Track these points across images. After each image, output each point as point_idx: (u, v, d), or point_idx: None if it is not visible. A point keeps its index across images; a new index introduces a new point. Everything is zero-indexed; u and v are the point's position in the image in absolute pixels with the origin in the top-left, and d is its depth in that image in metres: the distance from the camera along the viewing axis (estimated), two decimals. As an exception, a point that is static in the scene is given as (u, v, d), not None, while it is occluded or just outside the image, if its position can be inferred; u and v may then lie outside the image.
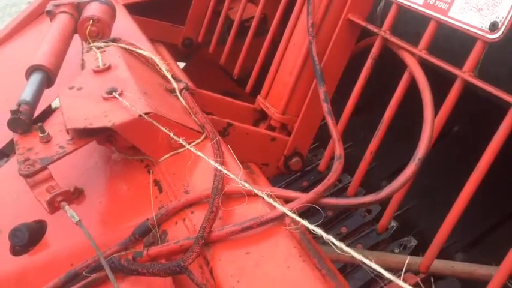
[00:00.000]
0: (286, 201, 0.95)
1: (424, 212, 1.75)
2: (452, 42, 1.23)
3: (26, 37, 2.04)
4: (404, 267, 1.39)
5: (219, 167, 0.96)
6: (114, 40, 1.48)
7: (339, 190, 1.94)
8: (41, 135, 1.11)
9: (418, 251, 1.66)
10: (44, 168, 1.04)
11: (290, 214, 0.81)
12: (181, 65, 2.26)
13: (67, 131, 1.11)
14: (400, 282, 0.53)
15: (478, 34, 1.02)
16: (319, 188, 0.96)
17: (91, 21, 1.51)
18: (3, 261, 1.07)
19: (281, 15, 1.67)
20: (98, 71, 1.29)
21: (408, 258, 1.28)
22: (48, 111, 1.48)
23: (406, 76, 1.19)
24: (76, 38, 1.56)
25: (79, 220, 0.94)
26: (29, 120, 1.16)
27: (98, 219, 1.11)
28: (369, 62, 1.30)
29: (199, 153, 1.01)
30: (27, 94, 1.20)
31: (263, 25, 1.96)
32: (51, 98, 1.44)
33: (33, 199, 1.02)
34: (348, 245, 0.69)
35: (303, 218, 0.80)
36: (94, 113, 1.11)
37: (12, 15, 5.44)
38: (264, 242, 0.87)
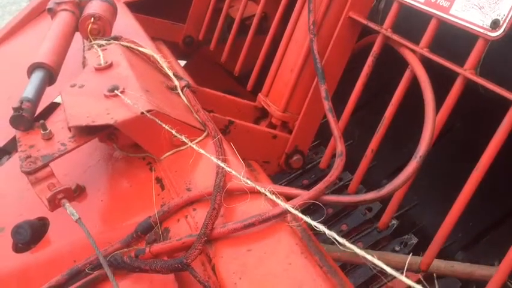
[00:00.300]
0: (288, 198, 0.95)
1: (425, 210, 1.75)
2: (454, 40, 1.24)
3: (27, 35, 2.04)
4: (406, 265, 1.39)
5: (221, 164, 0.97)
6: (116, 38, 1.48)
7: (339, 188, 1.94)
8: (43, 132, 1.11)
9: (419, 249, 1.67)
10: (45, 165, 1.05)
11: (292, 211, 0.82)
12: (182, 63, 2.26)
13: (69, 128, 1.11)
14: (403, 278, 0.54)
15: (480, 32, 1.02)
16: (320, 185, 0.96)
17: (92, 19, 1.51)
18: (5, 259, 1.07)
19: (282, 14, 1.67)
20: (99, 69, 1.29)
21: (409, 258, 1.28)
22: (50, 109, 1.48)
23: (408, 74, 1.20)
24: (77, 35, 1.56)
25: (79, 218, 0.94)
26: (31, 117, 1.16)
27: (100, 217, 1.11)
28: (370, 60, 1.30)
29: (201, 151, 1.02)
30: (29, 91, 1.21)
31: (264, 23, 1.96)
32: (53, 95, 1.44)
33: (35, 197, 1.02)
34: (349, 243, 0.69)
35: (304, 216, 0.80)
36: (96, 111, 1.11)
37: (12, 13, 5.43)
38: (266, 239, 0.87)
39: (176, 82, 1.36)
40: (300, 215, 0.80)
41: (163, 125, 1.08)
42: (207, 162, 1.06)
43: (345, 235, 1.79)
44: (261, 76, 1.70)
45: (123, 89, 1.16)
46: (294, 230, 0.88)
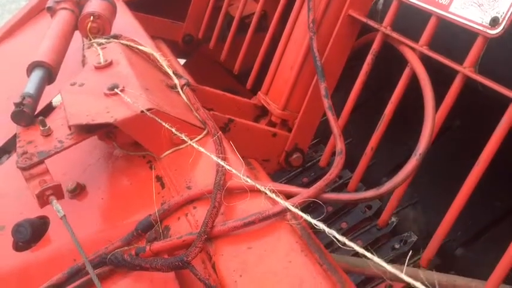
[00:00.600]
0: (288, 196, 0.96)
1: (425, 208, 1.75)
2: (453, 38, 1.24)
3: (27, 34, 2.04)
4: (406, 261, 1.39)
5: (221, 163, 0.97)
6: (115, 36, 1.48)
7: (339, 186, 1.94)
8: (42, 128, 1.11)
9: (419, 246, 1.67)
10: (41, 161, 1.05)
11: (292, 209, 0.82)
12: (182, 61, 2.26)
13: (69, 127, 1.11)
14: (402, 275, 0.54)
15: (479, 30, 1.02)
16: (320, 183, 0.97)
17: (92, 17, 1.51)
18: (6, 257, 1.07)
19: (281, 12, 1.67)
20: (99, 67, 1.30)
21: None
22: (50, 108, 1.48)
23: (407, 72, 1.20)
24: (77, 34, 1.56)
25: (64, 215, 0.94)
26: (32, 113, 1.16)
27: (101, 215, 1.11)
28: (370, 57, 1.31)
29: (201, 149, 1.02)
30: (30, 87, 1.21)
31: (263, 21, 1.96)
32: (53, 94, 1.44)
33: (36, 195, 1.02)
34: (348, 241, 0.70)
35: (304, 214, 0.81)
36: (96, 109, 1.11)
37: (12, 11, 5.43)
38: (266, 237, 0.87)
39: (176, 80, 1.36)
40: (300, 213, 0.80)
41: (163, 124, 1.08)
42: (207, 161, 1.06)
43: (344, 233, 1.79)
44: (261, 74, 1.70)
45: (123, 87, 1.16)
46: (293, 228, 0.88)
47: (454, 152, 1.71)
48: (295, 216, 0.89)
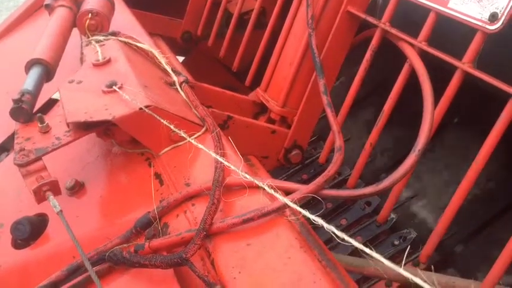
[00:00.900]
0: (287, 192, 0.95)
1: (424, 204, 1.75)
2: (452, 33, 1.24)
3: (25, 31, 2.03)
4: (404, 259, 1.40)
5: (220, 159, 0.97)
6: (114, 34, 1.47)
7: (338, 183, 1.94)
8: (40, 125, 1.11)
9: (418, 242, 1.67)
10: (38, 158, 1.04)
11: (291, 205, 0.82)
12: (180, 59, 2.25)
13: (67, 124, 1.11)
14: (401, 270, 0.54)
15: (478, 25, 1.02)
16: (319, 180, 0.97)
17: (90, 14, 1.51)
18: (5, 255, 1.07)
19: (280, 8, 1.67)
20: (97, 65, 1.29)
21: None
22: (50, 105, 1.48)
23: (406, 68, 1.20)
24: (75, 31, 1.55)
25: (60, 210, 0.94)
26: (30, 109, 1.16)
27: (100, 213, 1.11)
28: (369, 54, 1.30)
29: (200, 146, 1.02)
30: (29, 84, 1.20)
31: (262, 18, 1.96)
32: (51, 92, 1.44)
33: (34, 193, 1.02)
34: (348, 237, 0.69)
35: (303, 210, 0.81)
36: (94, 107, 1.11)
37: (10, 9, 5.41)
38: (265, 234, 0.87)
39: (174, 77, 1.36)
40: (299, 209, 0.80)
41: (162, 121, 1.08)
42: (205, 158, 1.06)
43: (344, 229, 1.79)
44: (260, 71, 1.70)
45: (121, 84, 1.16)
46: (293, 225, 0.88)
47: (453, 148, 1.71)
48: (295, 213, 0.89)
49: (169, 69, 1.38)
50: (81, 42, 1.53)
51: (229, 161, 1.00)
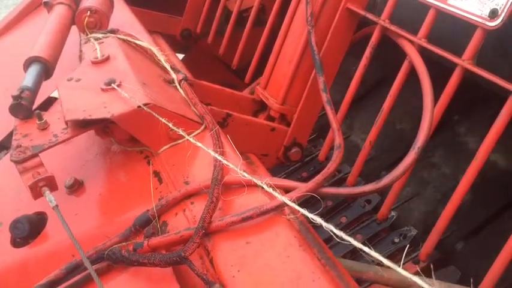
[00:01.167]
0: (286, 191, 0.95)
1: (424, 201, 1.75)
2: (451, 30, 1.23)
3: (24, 29, 2.03)
4: (403, 257, 1.39)
5: (219, 158, 0.96)
6: (113, 31, 1.47)
7: (338, 180, 1.94)
8: (38, 122, 1.11)
9: (418, 240, 1.67)
10: (34, 155, 1.04)
11: (290, 203, 0.81)
12: (180, 56, 2.25)
13: (66, 122, 1.10)
14: (399, 269, 0.53)
15: (478, 22, 1.02)
16: (319, 177, 0.96)
17: (89, 12, 1.50)
18: (4, 253, 1.07)
19: (279, 6, 1.67)
20: (96, 62, 1.29)
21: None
22: (49, 103, 1.47)
23: (406, 65, 1.19)
24: (74, 29, 1.55)
25: (56, 205, 0.94)
26: (30, 106, 1.16)
27: (98, 211, 1.11)
28: (368, 51, 1.30)
29: (199, 144, 1.01)
30: (28, 81, 1.20)
31: (261, 15, 1.96)
32: (50, 89, 1.44)
33: (33, 191, 1.01)
34: (348, 236, 0.69)
35: (302, 208, 0.80)
36: (93, 105, 1.11)
37: (9, 7, 5.40)
38: (264, 232, 0.87)
39: (173, 75, 1.35)
40: (297, 207, 0.80)
41: (161, 119, 1.07)
42: (204, 156, 1.05)
43: (344, 227, 1.79)
44: (259, 69, 1.69)
45: (120, 82, 1.16)
46: (292, 223, 0.88)
47: (453, 145, 1.71)
48: (293, 211, 0.89)
49: (168, 67, 1.37)
50: (80, 40, 1.53)
51: (228, 159, 0.99)
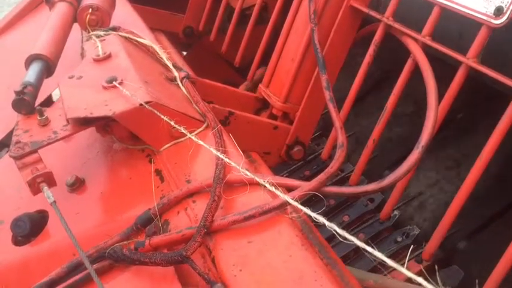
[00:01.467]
0: (289, 189, 0.95)
1: (427, 201, 1.74)
2: (456, 28, 1.22)
3: (25, 27, 2.02)
4: (408, 256, 1.39)
5: (221, 156, 0.96)
6: (114, 29, 1.47)
7: (341, 179, 1.93)
8: (39, 118, 1.10)
9: (421, 239, 1.66)
10: (33, 151, 1.04)
11: (292, 202, 0.81)
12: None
13: (67, 120, 1.10)
14: (403, 270, 0.53)
15: (483, 19, 1.01)
16: (321, 176, 0.95)
17: (90, 9, 1.50)
18: (5, 252, 1.07)
19: (282, 3, 1.66)
20: (98, 60, 1.28)
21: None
22: (50, 100, 1.47)
23: (409, 63, 1.18)
24: (76, 26, 1.54)
25: (54, 201, 0.94)
26: (32, 101, 1.16)
27: (100, 209, 1.11)
28: (372, 49, 1.29)
29: (201, 142, 1.01)
30: (30, 77, 1.20)
31: (264, 13, 1.95)
32: (52, 87, 1.43)
33: (34, 189, 1.01)
34: (350, 234, 0.68)
35: (305, 207, 0.80)
36: (94, 102, 1.10)
37: (11, 4, 5.41)
38: (266, 231, 0.86)
39: (175, 73, 1.35)
40: (300, 206, 0.79)
41: (162, 117, 1.07)
42: (206, 154, 1.05)
43: (346, 226, 1.78)
44: (262, 67, 1.68)
45: (122, 80, 1.15)
46: (294, 222, 0.87)
47: (457, 144, 1.70)
48: (296, 210, 0.88)
49: (170, 65, 1.37)
50: (82, 37, 1.52)
51: (230, 157, 0.99)
